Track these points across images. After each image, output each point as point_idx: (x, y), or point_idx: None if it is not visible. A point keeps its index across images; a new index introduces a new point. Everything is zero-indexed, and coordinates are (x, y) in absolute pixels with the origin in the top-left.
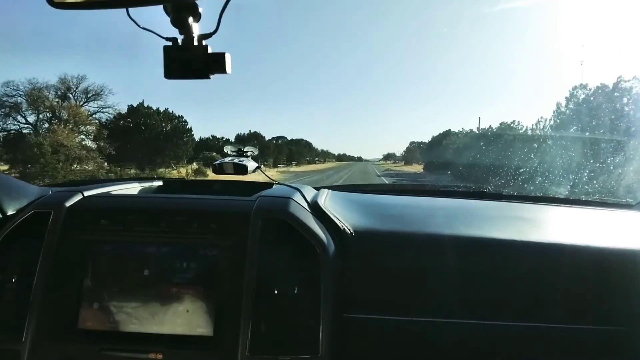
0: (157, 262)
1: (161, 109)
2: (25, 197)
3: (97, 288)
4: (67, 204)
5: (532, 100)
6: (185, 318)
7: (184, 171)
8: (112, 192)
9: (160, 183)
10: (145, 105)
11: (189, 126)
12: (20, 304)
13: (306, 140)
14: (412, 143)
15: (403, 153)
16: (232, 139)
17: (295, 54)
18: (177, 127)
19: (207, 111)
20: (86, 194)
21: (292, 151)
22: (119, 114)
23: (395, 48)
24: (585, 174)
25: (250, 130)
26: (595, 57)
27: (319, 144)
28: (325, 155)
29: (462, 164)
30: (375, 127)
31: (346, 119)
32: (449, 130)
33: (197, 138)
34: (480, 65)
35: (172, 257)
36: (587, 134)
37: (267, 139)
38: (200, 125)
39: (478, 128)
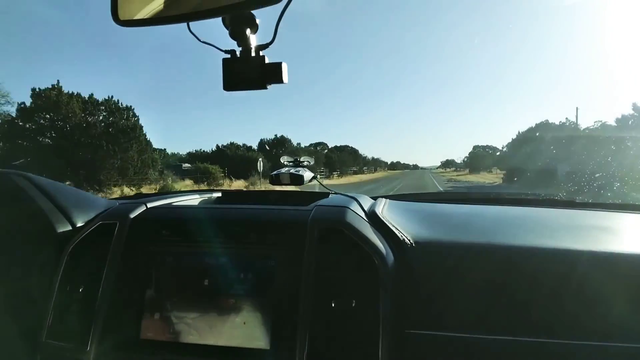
0: (215, 272)
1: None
2: (93, 209)
3: (159, 298)
4: (132, 215)
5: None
6: (242, 330)
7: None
8: (174, 204)
9: (219, 194)
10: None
11: (139, 123)
12: (86, 314)
13: (352, 147)
14: (476, 147)
15: (465, 159)
16: (255, 145)
17: (347, 57)
18: (118, 125)
19: (227, 114)
20: (149, 205)
21: (333, 159)
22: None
23: (455, 46)
24: None
25: (276, 135)
26: None
27: (369, 152)
28: (376, 164)
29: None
30: (432, 133)
31: (400, 125)
32: (547, 122)
33: (214, 146)
34: (553, 61)
35: (230, 267)
36: None
37: (303, 145)
38: (220, 130)
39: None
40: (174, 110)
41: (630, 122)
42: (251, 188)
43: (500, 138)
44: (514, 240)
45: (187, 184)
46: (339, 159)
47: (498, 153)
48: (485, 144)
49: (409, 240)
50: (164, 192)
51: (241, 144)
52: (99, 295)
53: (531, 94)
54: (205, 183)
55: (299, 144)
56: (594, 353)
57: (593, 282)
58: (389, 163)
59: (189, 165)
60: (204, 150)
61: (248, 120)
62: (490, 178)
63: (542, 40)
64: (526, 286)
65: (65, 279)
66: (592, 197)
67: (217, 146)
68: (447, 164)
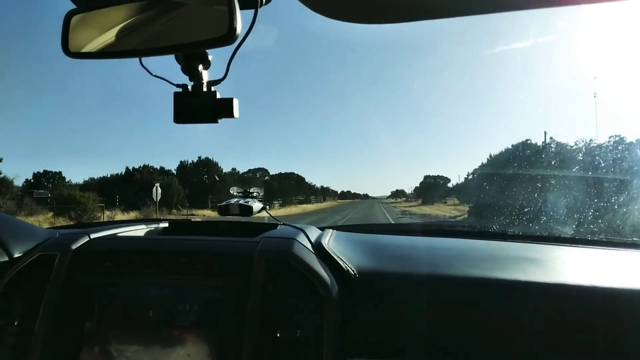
0: (160, 304)
1: None
2: (32, 239)
3: (100, 331)
4: (74, 247)
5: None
6: None
7: None
8: (119, 234)
9: (166, 225)
10: None
11: None
12: (20, 347)
13: (297, 175)
14: (427, 177)
15: (416, 189)
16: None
17: (296, 90)
18: None
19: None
20: (93, 236)
21: (274, 187)
22: None
23: (398, 86)
24: (590, 213)
25: (200, 157)
26: (608, 88)
27: (318, 180)
28: (325, 193)
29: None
30: (383, 163)
31: (350, 154)
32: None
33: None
34: (482, 105)
35: (175, 299)
36: (590, 173)
37: (241, 170)
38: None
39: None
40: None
41: (552, 163)
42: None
43: (449, 169)
44: (449, 270)
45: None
46: (281, 187)
47: (449, 184)
48: (436, 174)
49: (353, 270)
50: (109, 222)
51: (158, 167)
52: (35, 328)
53: (476, 132)
54: (71, 215)
55: (234, 169)
56: None
57: (519, 310)
58: (339, 192)
59: (44, 191)
60: (113, 174)
61: (176, 140)
62: (448, 210)
63: (481, 83)
64: (459, 314)
65: (0, 311)
66: (522, 229)
67: (127, 169)
68: (397, 193)
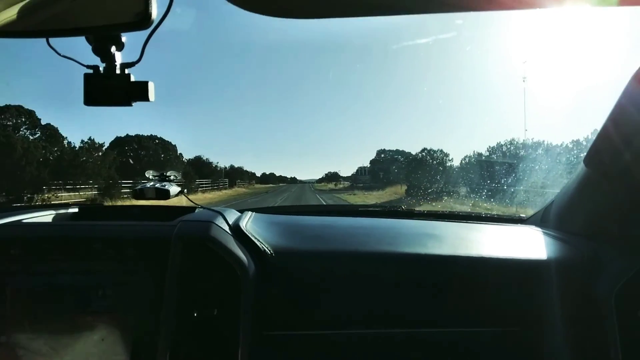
0: (72, 291)
1: None
2: None
3: (6, 321)
4: None
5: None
6: (100, 347)
7: None
8: (24, 221)
9: (76, 210)
10: None
11: None
12: None
13: (161, 139)
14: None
15: (364, 169)
16: None
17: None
18: None
19: None
20: None
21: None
22: None
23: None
24: (484, 192)
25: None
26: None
27: (235, 161)
28: (236, 176)
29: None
30: (314, 144)
31: (272, 132)
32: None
33: None
34: (407, 94)
35: (88, 285)
36: (484, 157)
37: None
38: None
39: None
40: None
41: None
42: None
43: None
44: (359, 247)
45: None
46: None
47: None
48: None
49: (270, 250)
50: (11, 208)
51: None
52: None
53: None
54: None
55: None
56: (419, 338)
57: (423, 280)
58: (259, 175)
59: None
60: None
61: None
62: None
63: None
64: (369, 286)
65: None
66: (427, 207)
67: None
68: (333, 177)
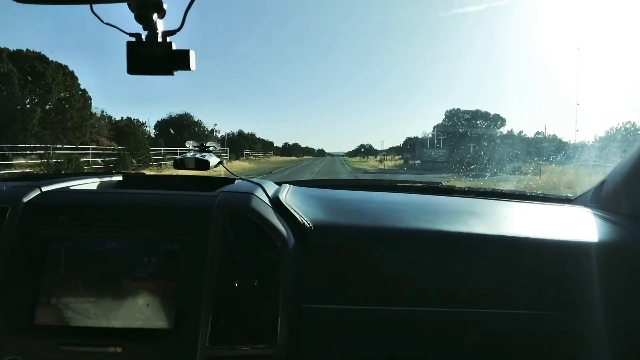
0: (117, 256)
1: None
2: None
3: (55, 284)
4: (25, 200)
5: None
6: (144, 312)
7: None
8: (71, 187)
9: (120, 178)
10: None
11: None
12: None
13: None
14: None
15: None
16: None
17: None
18: None
19: None
20: (44, 189)
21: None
22: None
23: (358, 44)
24: (531, 170)
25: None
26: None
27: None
28: (243, 145)
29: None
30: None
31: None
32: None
33: None
34: (453, 67)
35: (133, 251)
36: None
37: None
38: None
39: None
40: None
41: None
42: None
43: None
44: (398, 223)
45: None
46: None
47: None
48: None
49: (309, 224)
50: (59, 175)
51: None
52: None
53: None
54: None
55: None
56: (454, 318)
57: (462, 260)
58: (280, 147)
59: None
60: None
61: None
62: None
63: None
64: (407, 264)
65: None
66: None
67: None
68: (366, 151)
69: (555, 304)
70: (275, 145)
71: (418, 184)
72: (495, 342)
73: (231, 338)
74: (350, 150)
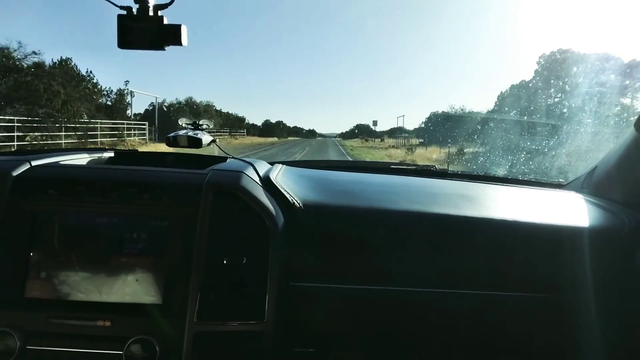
0: (106, 232)
1: None
2: None
3: (45, 258)
4: (14, 173)
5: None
6: (134, 287)
7: None
8: (61, 162)
9: (111, 154)
10: None
11: None
12: None
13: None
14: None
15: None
16: None
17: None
18: None
19: None
20: (34, 163)
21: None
22: None
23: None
24: (523, 155)
25: None
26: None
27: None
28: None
29: None
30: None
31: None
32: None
33: None
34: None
35: (123, 227)
36: (525, 117)
37: None
38: None
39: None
40: None
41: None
42: None
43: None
44: (389, 205)
45: None
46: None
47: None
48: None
49: (298, 203)
50: (49, 150)
51: None
52: None
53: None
54: None
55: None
56: (439, 298)
57: (451, 242)
58: (260, 125)
59: None
60: None
61: None
62: None
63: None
64: (397, 244)
65: None
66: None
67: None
68: (360, 131)
69: (545, 287)
70: (252, 123)
71: (412, 167)
72: (485, 323)
73: (219, 314)
74: (345, 131)
